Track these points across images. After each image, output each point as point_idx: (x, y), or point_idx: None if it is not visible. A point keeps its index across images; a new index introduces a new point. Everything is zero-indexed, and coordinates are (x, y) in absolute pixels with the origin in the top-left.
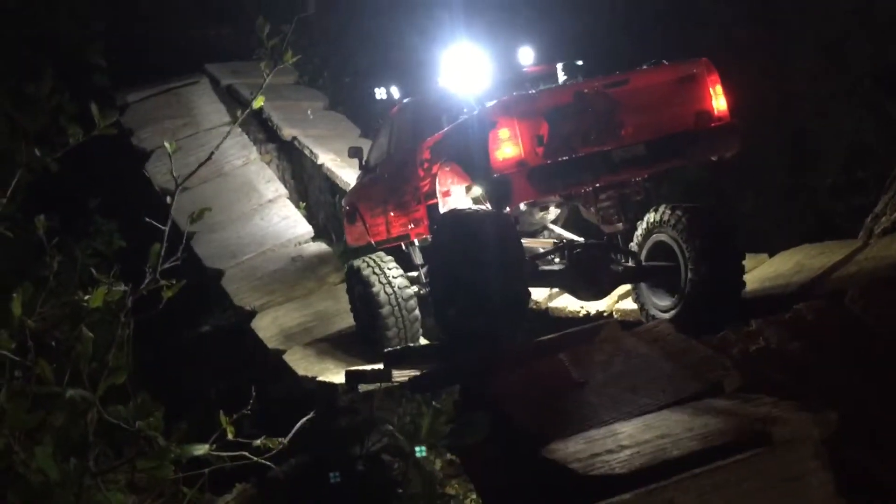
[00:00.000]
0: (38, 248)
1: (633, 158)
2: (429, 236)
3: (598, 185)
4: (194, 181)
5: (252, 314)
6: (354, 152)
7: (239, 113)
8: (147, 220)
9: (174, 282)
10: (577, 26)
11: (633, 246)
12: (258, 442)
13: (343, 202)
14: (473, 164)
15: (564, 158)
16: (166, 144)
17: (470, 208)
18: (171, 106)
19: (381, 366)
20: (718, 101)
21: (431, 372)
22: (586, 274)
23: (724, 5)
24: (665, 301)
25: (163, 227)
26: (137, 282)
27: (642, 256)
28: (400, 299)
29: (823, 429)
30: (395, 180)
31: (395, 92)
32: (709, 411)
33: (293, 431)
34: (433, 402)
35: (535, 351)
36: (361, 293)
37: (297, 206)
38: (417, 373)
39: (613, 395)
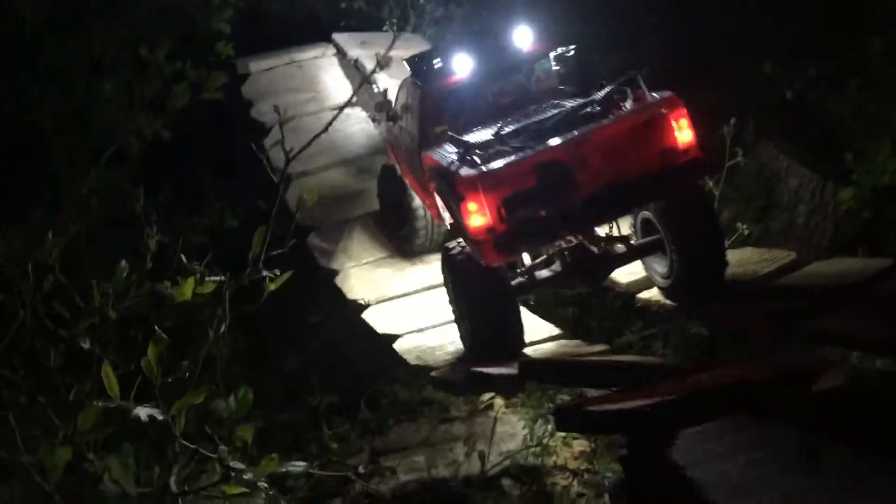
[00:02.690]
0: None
1: (596, 210)
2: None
3: (563, 240)
4: (317, 166)
5: (365, 307)
6: (381, 105)
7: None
8: (260, 203)
9: (278, 272)
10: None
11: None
12: (362, 468)
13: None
14: (454, 217)
15: (527, 223)
16: (277, 113)
17: (458, 254)
18: (295, 78)
19: (511, 370)
20: (683, 135)
21: (593, 413)
22: (580, 270)
23: None
24: (663, 268)
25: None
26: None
27: (636, 234)
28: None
29: None
30: (411, 157)
31: None
32: None
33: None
34: None
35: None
36: (395, 192)
37: None
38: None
39: None
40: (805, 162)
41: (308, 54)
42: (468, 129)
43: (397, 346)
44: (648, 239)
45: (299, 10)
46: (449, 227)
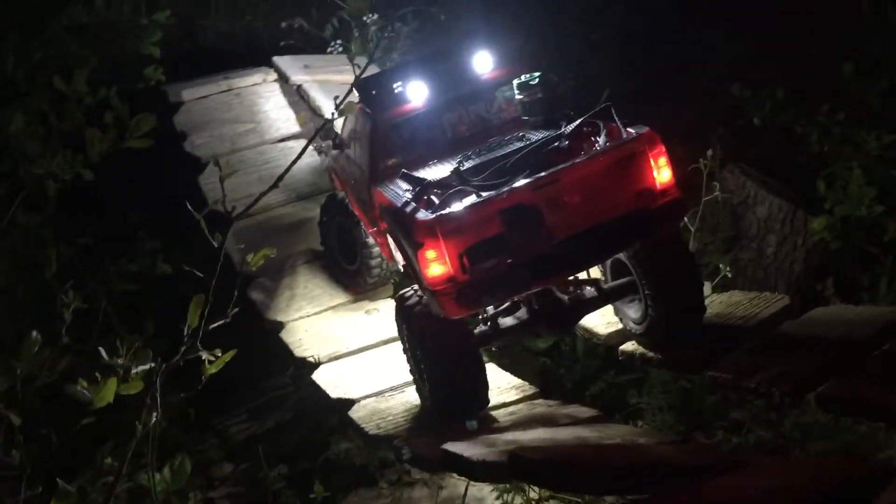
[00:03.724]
0: (66, 274)
1: (569, 258)
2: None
3: (530, 292)
4: (257, 207)
5: (316, 365)
6: (327, 133)
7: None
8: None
9: (219, 353)
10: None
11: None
12: None
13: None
14: (409, 264)
15: (493, 273)
16: (217, 166)
17: (415, 304)
18: (233, 107)
19: (495, 456)
20: (662, 175)
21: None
22: (548, 318)
23: None
24: (636, 313)
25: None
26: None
27: (606, 276)
28: None
29: None
30: (360, 191)
31: None
32: None
33: None
34: None
35: None
36: (343, 224)
37: None
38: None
39: None
40: (773, 189)
41: (247, 81)
42: (424, 164)
43: (354, 412)
44: (620, 281)
45: (236, 30)
46: (402, 270)
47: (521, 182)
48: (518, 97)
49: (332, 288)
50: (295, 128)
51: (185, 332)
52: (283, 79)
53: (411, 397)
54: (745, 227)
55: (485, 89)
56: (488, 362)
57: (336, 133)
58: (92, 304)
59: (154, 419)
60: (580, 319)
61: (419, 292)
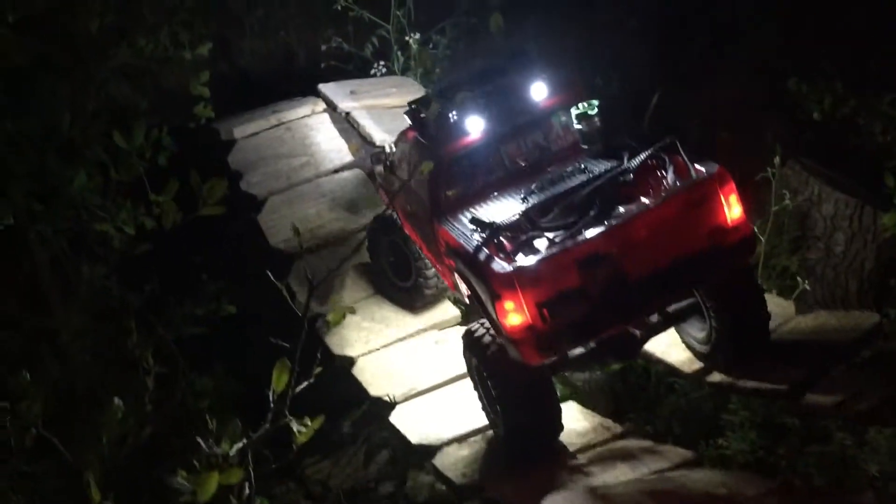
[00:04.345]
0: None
1: (640, 302)
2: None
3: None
4: (319, 241)
5: (392, 405)
6: (378, 157)
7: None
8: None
9: (309, 422)
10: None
11: None
12: None
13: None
14: (486, 312)
15: (569, 320)
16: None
17: (488, 343)
18: (286, 142)
19: None
20: (733, 212)
21: None
22: (613, 347)
23: None
24: (699, 333)
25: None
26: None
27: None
28: None
29: None
30: (418, 220)
31: None
32: None
33: None
34: None
35: None
36: (395, 243)
37: None
38: None
39: None
40: (838, 185)
41: (297, 113)
42: (485, 197)
43: (438, 461)
44: (683, 304)
45: (272, 49)
46: (467, 300)
47: (595, 231)
48: (577, 127)
49: (398, 316)
50: (348, 157)
51: (271, 398)
52: (330, 106)
53: (494, 440)
54: (811, 225)
55: (541, 117)
56: (568, 399)
57: (386, 153)
58: (161, 350)
59: (247, 492)
60: (645, 345)
61: (489, 329)
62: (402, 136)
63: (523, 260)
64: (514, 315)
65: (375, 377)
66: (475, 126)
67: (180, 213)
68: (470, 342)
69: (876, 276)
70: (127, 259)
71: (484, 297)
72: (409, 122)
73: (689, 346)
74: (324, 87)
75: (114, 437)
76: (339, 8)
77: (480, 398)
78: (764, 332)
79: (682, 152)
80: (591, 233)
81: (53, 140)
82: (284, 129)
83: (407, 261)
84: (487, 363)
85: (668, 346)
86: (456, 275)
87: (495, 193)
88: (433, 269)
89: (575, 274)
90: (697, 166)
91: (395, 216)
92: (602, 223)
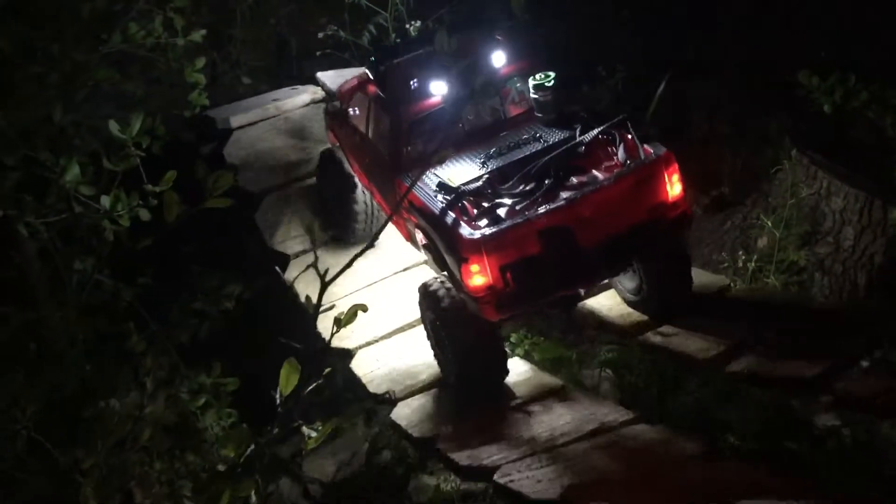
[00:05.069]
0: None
1: (590, 270)
2: None
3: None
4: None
5: (393, 402)
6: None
7: None
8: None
9: (320, 426)
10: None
11: None
12: None
13: (327, 114)
14: (448, 271)
15: (526, 283)
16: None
17: (444, 293)
18: (281, 132)
19: None
20: (674, 190)
21: None
22: (558, 301)
23: None
24: (630, 284)
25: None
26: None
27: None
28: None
29: None
30: (376, 174)
31: None
32: None
33: None
34: None
35: None
36: (336, 176)
37: None
38: None
39: None
40: (847, 179)
41: (296, 101)
42: (444, 157)
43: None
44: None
45: (263, 38)
46: (421, 250)
47: (554, 203)
48: (532, 96)
49: (398, 304)
50: None
51: (278, 400)
52: (329, 95)
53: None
54: (820, 219)
55: (499, 83)
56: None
57: (336, 93)
58: (155, 345)
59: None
60: (581, 295)
61: (444, 283)
62: (361, 87)
63: (488, 226)
64: (479, 277)
65: (374, 374)
66: (437, 88)
67: (183, 206)
68: (426, 296)
69: (885, 271)
70: (119, 251)
71: (448, 257)
72: (370, 75)
73: (620, 295)
74: (322, 76)
75: (111, 440)
76: None
77: (433, 347)
78: (686, 293)
79: (632, 132)
80: (551, 204)
81: (44, 130)
82: (283, 119)
83: (350, 202)
84: (443, 316)
85: (685, 338)
86: (416, 229)
87: (454, 154)
88: (364, 212)
89: (535, 242)
90: (647, 146)
91: (337, 156)
92: (558, 194)
